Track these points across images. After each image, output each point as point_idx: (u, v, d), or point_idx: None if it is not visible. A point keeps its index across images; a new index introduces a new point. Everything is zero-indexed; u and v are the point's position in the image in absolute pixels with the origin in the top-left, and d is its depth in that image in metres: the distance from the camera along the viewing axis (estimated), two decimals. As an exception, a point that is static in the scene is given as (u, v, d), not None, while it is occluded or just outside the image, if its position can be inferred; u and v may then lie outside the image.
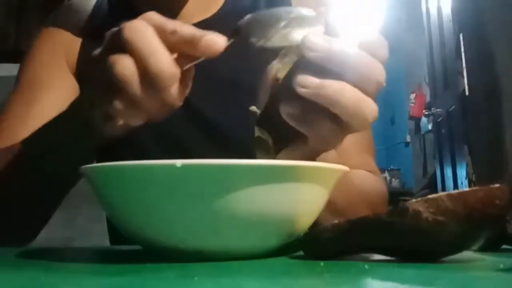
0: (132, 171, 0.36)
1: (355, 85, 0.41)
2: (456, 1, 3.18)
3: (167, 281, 0.29)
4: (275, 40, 0.44)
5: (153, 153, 0.71)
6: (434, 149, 4.06)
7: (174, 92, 0.41)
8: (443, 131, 3.68)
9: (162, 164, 0.35)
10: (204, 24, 0.74)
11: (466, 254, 0.42)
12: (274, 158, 0.45)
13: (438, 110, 3.70)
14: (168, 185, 0.35)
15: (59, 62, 0.77)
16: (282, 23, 0.44)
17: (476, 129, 2.83)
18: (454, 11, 3.26)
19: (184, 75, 0.42)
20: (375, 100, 0.42)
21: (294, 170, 0.37)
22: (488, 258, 0.41)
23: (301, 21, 0.44)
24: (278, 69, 0.44)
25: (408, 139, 5.30)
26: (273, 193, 0.36)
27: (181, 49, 0.42)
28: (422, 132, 4.83)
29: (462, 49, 2.99)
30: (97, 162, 0.78)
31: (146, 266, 0.36)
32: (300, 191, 0.38)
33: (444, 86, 3.59)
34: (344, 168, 0.41)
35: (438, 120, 3.79)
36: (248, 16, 0.45)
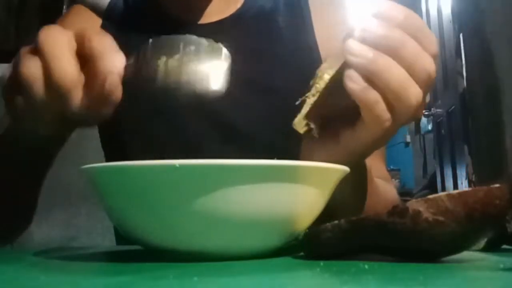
0: (132, 171, 0.36)
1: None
2: (456, 1, 3.18)
3: (167, 281, 0.29)
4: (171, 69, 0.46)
5: (168, 153, 0.71)
6: (434, 149, 4.06)
7: (76, 99, 0.42)
8: (443, 131, 3.68)
9: (161, 164, 0.35)
10: (222, 24, 0.75)
11: (466, 254, 0.42)
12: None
13: (438, 110, 3.70)
14: (168, 185, 0.35)
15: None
16: (177, 56, 0.46)
17: (476, 129, 2.83)
18: (454, 11, 3.26)
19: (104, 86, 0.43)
20: (426, 92, 0.42)
21: (294, 170, 0.37)
22: (488, 258, 0.41)
23: (201, 52, 0.47)
24: (322, 67, 0.45)
25: (408, 139, 5.30)
26: (273, 193, 0.36)
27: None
28: (422, 132, 4.83)
29: (462, 49, 2.99)
30: (108, 159, 0.79)
31: (146, 266, 0.36)
32: (300, 191, 0.38)
33: (444, 86, 3.59)
34: (344, 168, 0.41)
35: (438, 120, 3.79)
36: (150, 40, 0.47)
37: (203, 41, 0.48)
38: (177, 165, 0.34)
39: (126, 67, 0.43)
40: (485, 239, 0.45)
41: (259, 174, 0.35)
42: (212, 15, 0.76)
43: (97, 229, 1.86)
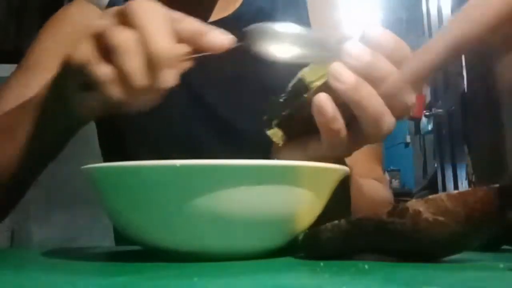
0: (132, 171, 0.36)
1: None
2: (456, 1, 3.18)
3: (167, 281, 0.29)
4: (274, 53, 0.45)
5: (167, 153, 0.71)
6: (434, 149, 4.06)
7: (168, 76, 0.40)
8: (443, 131, 3.68)
9: (161, 164, 0.35)
10: (221, 23, 0.75)
11: (466, 254, 0.42)
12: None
13: (438, 110, 3.70)
14: (168, 185, 0.35)
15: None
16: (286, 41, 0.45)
17: (476, 129, 2.83)
18: (454, 12, 3.25)
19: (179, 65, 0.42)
20: (399, 119, 0.43)
21: (294, 170, 0.37)
22: (488, 258, 0.41)
23: (305, 42, 0.45)
24: (305, 73, 0.45)
25: (408, 139, 5.30)
26: (273, 193, 0.36)
27: (183, 40, 0.42)
28: (422, 132, 4.83)
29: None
30: (107, 160, 0.78)
31: (146, 266, 0.36)
32: (300, 191, 0.38)
33: (444, 87, 3.59)
34: (344, 168, 0.41)
35: (438, 120, 3.79)
36: (255, 25, 0.46)
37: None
38: (177, 165, 0.34)
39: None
40: (485, 239, 0.45)
41: (259, 174, 0.36)
42: (212, 14, 0.76)
43: (97, 229, 1.86)
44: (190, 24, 0.42)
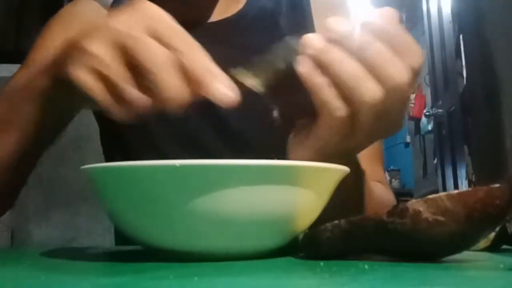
0: (132, 171, 0.36)
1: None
2: (456, 1, 3.18)
3: (167, 281, 0.29)
4: None
5: (169, 153, 0.70)
6: (434, 149, 4.06)
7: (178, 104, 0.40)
8: (443, 131, 3.68)
9: (161, 164, 0.35)
10: (224, 23, 0.75)
11: (466, 254, 0.42)
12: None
13: (438, 110, 3.70)
14: (168, 185, 0.35)
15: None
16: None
17: (476, 129, 2.83)
18: (454, 12, 3.25)
19: None
20: (397, 104, 0.41)
21: (294, 170, 0.37)
22: (488, 258, 0.41)
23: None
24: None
25: (408, 139, 5.30)
26: (273, 193, 0.36)
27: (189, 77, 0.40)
28: (422, 132, 4.83)
29: (462, 50, 2.99)
30: (108, 159, 0.79)
31: (146, 266, 0.36)
32: (300, 191, 0.38)
33: (444, 87, 3.59)
34: (345, 168, 0.41)
35: (438, 120, 3.79)
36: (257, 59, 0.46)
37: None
38: (177, 165, 0.35)
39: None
40: (489, 238, 0.45)
41: (259, 174, 0.35)
42: (214, 14, 0.76)
43: (97, 229, 1.86)
44: (202, 62, 0.40)
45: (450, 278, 0.31)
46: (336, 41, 0.41)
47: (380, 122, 0.42)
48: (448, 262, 0.37)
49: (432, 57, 3.92)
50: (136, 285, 0.28)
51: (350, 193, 0.51)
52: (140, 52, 0.39)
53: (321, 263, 0.35)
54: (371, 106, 0.41)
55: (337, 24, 0.41)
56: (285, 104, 0.46)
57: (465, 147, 3.12)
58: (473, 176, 2.89)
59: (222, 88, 0.39)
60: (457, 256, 0.38)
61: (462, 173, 3.20)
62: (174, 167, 0.35)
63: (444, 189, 3.56)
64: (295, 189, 0.37)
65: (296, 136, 0.47)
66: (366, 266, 0.34)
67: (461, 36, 3.05)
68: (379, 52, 0.40)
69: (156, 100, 0.39)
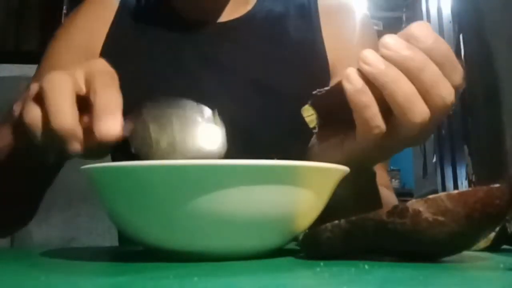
0: (132, 171, 0.36)
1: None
2: (456, 1, 3.18)
3: (167, 281, 0.29)
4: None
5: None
6: (434, 149, 4.06)
7: (75, 145, 0.42)
8: (443, 131, 3.68)
9: (161, 164, 0.35)
10: (232, 24, 0.76)
11: (466, 254, 0.42)
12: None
13: (438, 110, 3.70)
14: (168, 185, 0.35)
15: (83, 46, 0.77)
16: (169, 133, 0.48)
17: (476, 129, 2.83)
18: (454, 12, 3.25)
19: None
20: (437, 119, 0.42)
21: (294, 170, 0.37)
22: (488, 258, 0.41)
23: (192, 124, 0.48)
24: None
25: (408, 139, 5.29)
26: (273, 193, 0.36)
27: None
28: (422, 132, 4.82)
29: (462, 49, 2.99)
30: (115, 159, 0.79)
31: (146, 266, 0.36)
32: (300, 191, 0.38)
33: (444, 87, 3.59)
34: (344, 168, 0.41)
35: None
36: (148, 104, 0.48)
37: (194, 111, 0.49)
38: (177, 165, 0.35)
39: (123, 129, 0.43)
40: (489, 238, 0.45)
41: (259, 174, 0.35)
42: (221, 16, 0.76)
43: (97, 229, 1.86)
44: (96, 101, 0.42)
45: (450, 278, 0.31)
46: (391, 59, 0.41)
47: (419, 137, 0.44)
48: (448, 262, 0.37)
49: (432, 57, 3.91)
50: (136, 285, 0.28)
51: (359, 196, 0.51)
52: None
53: (321, 263, 0.35)
54: (418, 125, 0.42)
55: (392, 42, 0.42)
56: (325, 115, 0.46)
57: (465, 147, 3.12)
58: (473, 176, 2.89)
59: (105, 125, 0.41)
60: (457, 256, 0.38)
61: (462, 173, 3.20)
62: (174, 167, 0.35)
63: (444, 189, 3.56)
64: (295, 189, 0.37)
65: (328, 140, 0.48)
66: (366, 266, 0.34)
67: (461, 36, 3.05)
68: (433, 73, 0.41)
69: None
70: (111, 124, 0.41)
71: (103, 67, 0.44)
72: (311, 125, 0.46)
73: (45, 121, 0.42)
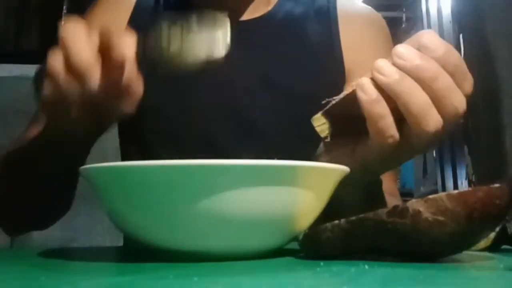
0: (132, 171, 0.36)
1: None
2: (456, 1, 3.18)
3: (167, 281, 0.29)
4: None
5: (188, 155, 0.71)
6: (434, 149, 4.06)
7: (93, 79, 0.45)
8: (443, 131, 3.68)
9: (162, 164, 0.35)
10: (251, 23, 0.76)
11: (466, 254, 0.42)
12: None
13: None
14: (168, 185, 0.35)
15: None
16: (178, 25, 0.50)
17: (476, 129, 2.83)
18: (454, 12, 3.25)
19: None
20: (448, 128, 0.43)
21: (294, 170, 0.37)
22: (488, 258, 0.41)
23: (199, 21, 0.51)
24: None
25: (408, 139, 5.29)
26: (273, 193, 0.36)
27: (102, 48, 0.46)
28: (422, 132, 4.82)
29: (462, 49, 2.99)
30: (124, 151, 0.79)
31: (146, 266, 0.36)
32: (300, 191, 0.38)
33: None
34: (344, 168, 0.41)
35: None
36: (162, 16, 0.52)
37: (203, 18, 0.51)
38: (177, 165, 0.35)
39: (137, 46, 0.46)
40: (489, 238, 0.45)
41: (259, 174, 0.35)
42: (248, 13, 0.77)
43: (97, 229, 1.86)
44: (110, 38, 0.45)
45: (450, 278, 0.31)
46: (404, 68, 0.42)
47: (430, 145, 0.44)
48: (448, 262, 0.37)
49: (432, 57, 3.91)
50: (136, 285, 0.28)
51: (364, 204, 0.52)
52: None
53: (321, 263, 0.35)
54: (431, 134, 0.42)
55: (405, 51, 0.42)
56: (337, 124, 0.47)
57: (465, 147, 3.12)
58: (473, 176, 2.89)
59: (122, 44, 0.45)
60: (457, 256, 0.38)
61: (462, 173, 3.19)
62: (174, 167, 0.35)
63: (444, 189, 3.56)
64: (295, 189, 0.37)
65: (337, 149, 0.48)
66: (366, 266, 0.34)
67: (461, 36, 3.04)
68: (446, 83, 0.42)
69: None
70: (126, 41, 0.45)
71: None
72: (322, 135, 0.46)
73: (66, 63, 0.45)
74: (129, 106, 0.48)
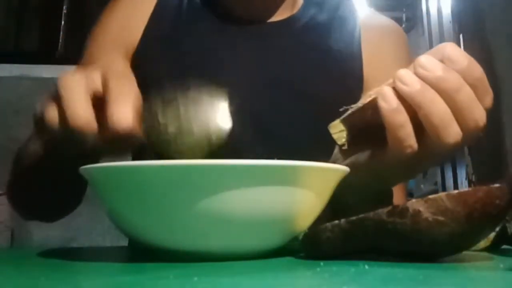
0: (132, 171, 0.36)
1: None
2: (456, 1, 3.18)
3: (167, 281, 0.29)
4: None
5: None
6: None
7: (90, 139, 0.43)
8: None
9: (162, 164, 0.35)
10: (276, 25, 0.77)
11: (466, 254, 0.42)
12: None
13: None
14: (168, 186, 0.35)
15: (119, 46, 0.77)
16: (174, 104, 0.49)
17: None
18: (454, 12, 3.25)
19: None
20: (468, 140, 0.43)
21: (294, 170, 0.37)
22: (488, 258, 0.41)
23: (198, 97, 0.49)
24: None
25: (408, 139, 5.29)
26: (273, 193, 0.36)
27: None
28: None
29: (462, 49, 2.99)
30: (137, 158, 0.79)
31: (146, 266, 0.36)
32: (300, 191, 0.38)
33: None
34: (344, 168, 0.41)
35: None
36: (155, 91, 0.49)
37: (201, 92, 0.50)
38: (177, 165, 0.35)
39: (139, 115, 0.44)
40: (489, 238, 0.45)
41: (259, 174, 0.35)
42: (267, 17, 0.78)
43: (97, 229, 1.86)
44: (110, 88, 0.44)
45: (450, 278, 0.31)
46: (427, 79, 0.42)
47: (447, 156, 0.44)
48: (448, 262, 0.37)
49: (432, 57, 3.91)
50: (136, 285, 0.28)
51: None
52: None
53: (321, 263, 0.35)
54: (450, 146, 0.42)
55: (428, 62, 0.42)
56: (355, 132, 0.47)
57: (465, 147, 3.12)
58: (473, 176, 2.89)
59: (117, 113, 0.42)
60: (457, 256, 0.38)
61: (462, 173, 3.20)
62: (174, 167, 0.35)
63: (444, 189, 3.56)
64: (295, 189, 0.37)
65: (356, 154, 0.48)
66: (366, 266, 0.34)
67: (461, 36, 3.05)
68: (467, 95, 0.42)
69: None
70: (122, 112, 0.42)
71: (121, 68, 0.45)
72: (339, 142, 0.46)
73: (62, 120, 0.44)
74: (128, 147, 0.48)
